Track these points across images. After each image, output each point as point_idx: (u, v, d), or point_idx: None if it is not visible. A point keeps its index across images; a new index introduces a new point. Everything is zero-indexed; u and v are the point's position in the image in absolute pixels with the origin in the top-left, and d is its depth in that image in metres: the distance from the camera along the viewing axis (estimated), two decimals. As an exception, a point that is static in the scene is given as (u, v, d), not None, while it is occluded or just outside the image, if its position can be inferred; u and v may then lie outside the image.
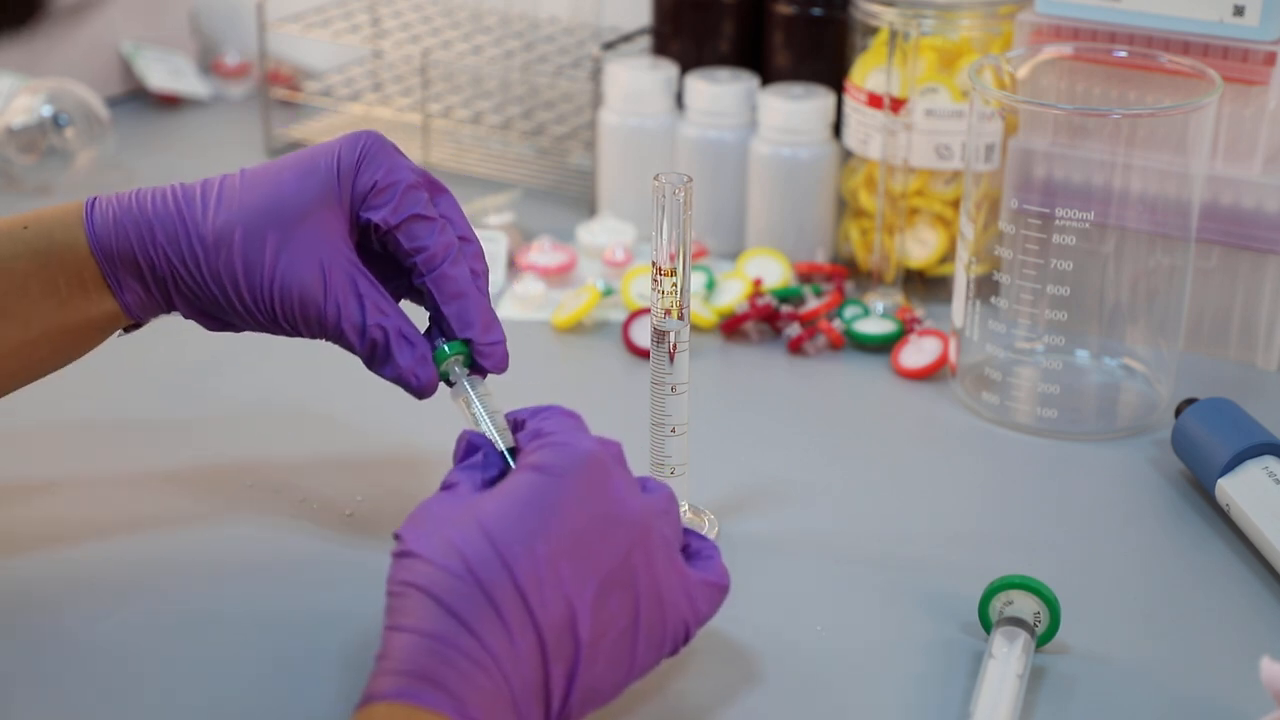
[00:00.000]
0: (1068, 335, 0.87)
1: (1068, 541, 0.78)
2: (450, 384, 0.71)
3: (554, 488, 0.60)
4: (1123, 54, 0.91)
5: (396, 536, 0.60)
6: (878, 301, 1.00)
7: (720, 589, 0.64)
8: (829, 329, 0.96)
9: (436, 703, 0.55)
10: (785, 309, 0.97)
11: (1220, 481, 0.78)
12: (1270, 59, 0.89)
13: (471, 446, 0.67)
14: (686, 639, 0.62)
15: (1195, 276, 0.93)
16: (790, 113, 1.03)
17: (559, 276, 1.04)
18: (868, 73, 1.00)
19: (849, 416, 0.90)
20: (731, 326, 0.97)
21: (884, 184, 0.99)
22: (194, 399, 0.90)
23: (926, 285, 1.02)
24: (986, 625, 0.69)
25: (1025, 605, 0.68)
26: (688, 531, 0.66)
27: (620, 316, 0.99)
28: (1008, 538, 0.78)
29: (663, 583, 0.61)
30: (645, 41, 1.17)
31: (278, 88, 1.29)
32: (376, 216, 0.70)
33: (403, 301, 0.74)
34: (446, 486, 0.64)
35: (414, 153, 1.22)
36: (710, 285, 1.00)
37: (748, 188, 1.06)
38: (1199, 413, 0.82)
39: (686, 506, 0.77)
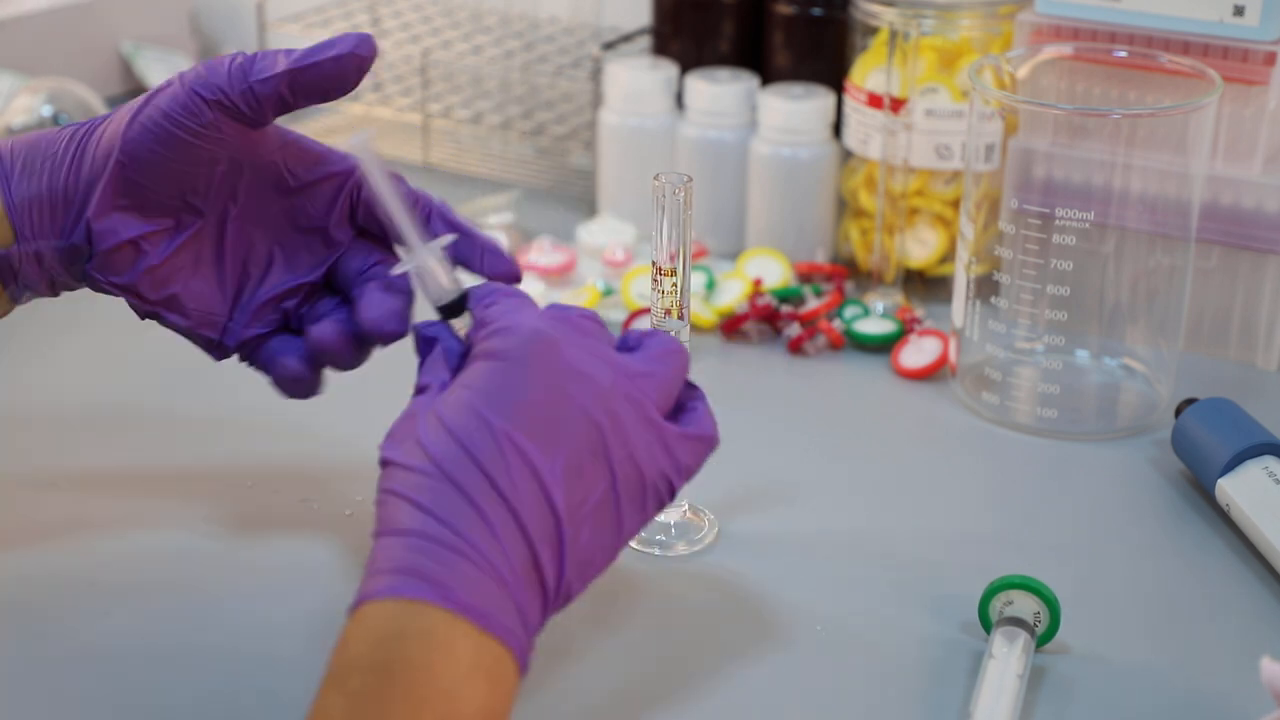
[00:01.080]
0: (1068, 335, 0.87)
1: (1068, 541, 0.78)
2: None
3: (504, 371, 0.60)
4: (1123, 54, 0.91)
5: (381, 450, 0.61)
6: (878, 301, 1.00)
7: (704, 440, 0.64)
8: (829, 329, 0.96)
9: (420, 592, 0.56)
10: (785, 309, 0.97)
11: (1220, 481, 0.78)
12: (1270, 59, 0.89)
13: (427, 341, 0.65)
14: (672, 493, 0.62)
15: (1195, 276, 0.93)
16: (790, 113, 1.03)
17: (559, 276, 1.04)
18: (868, 73, 1.00)
19: (849, 416, 0.90)
20: (731, 326, 0.97)
21: (884, 184, 0.99)
22: (194, 399, 0.90)
23: (926, 285, 1.02)
24: (986, 625, 0.69)
25: (1025, 605, 0.68)
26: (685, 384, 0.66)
27: (620, 316, 0.99)
28: (1008, 538, 0.78)
29: (636, 443, 0.61)
30: (645, 41, 1.17)
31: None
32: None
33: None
34: (418, 390, 0.64)
35: (414, 153, 1.22)
36: (710, 285, 1.00)
37: (748, 188, 1.06)
38: (1199, 413, 0.82)
39: (686, 506, 0.77)
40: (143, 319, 0.71)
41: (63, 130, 0.69)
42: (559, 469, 0.59)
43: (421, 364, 0.65)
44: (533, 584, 0.58)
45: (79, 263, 0.69)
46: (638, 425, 0.61)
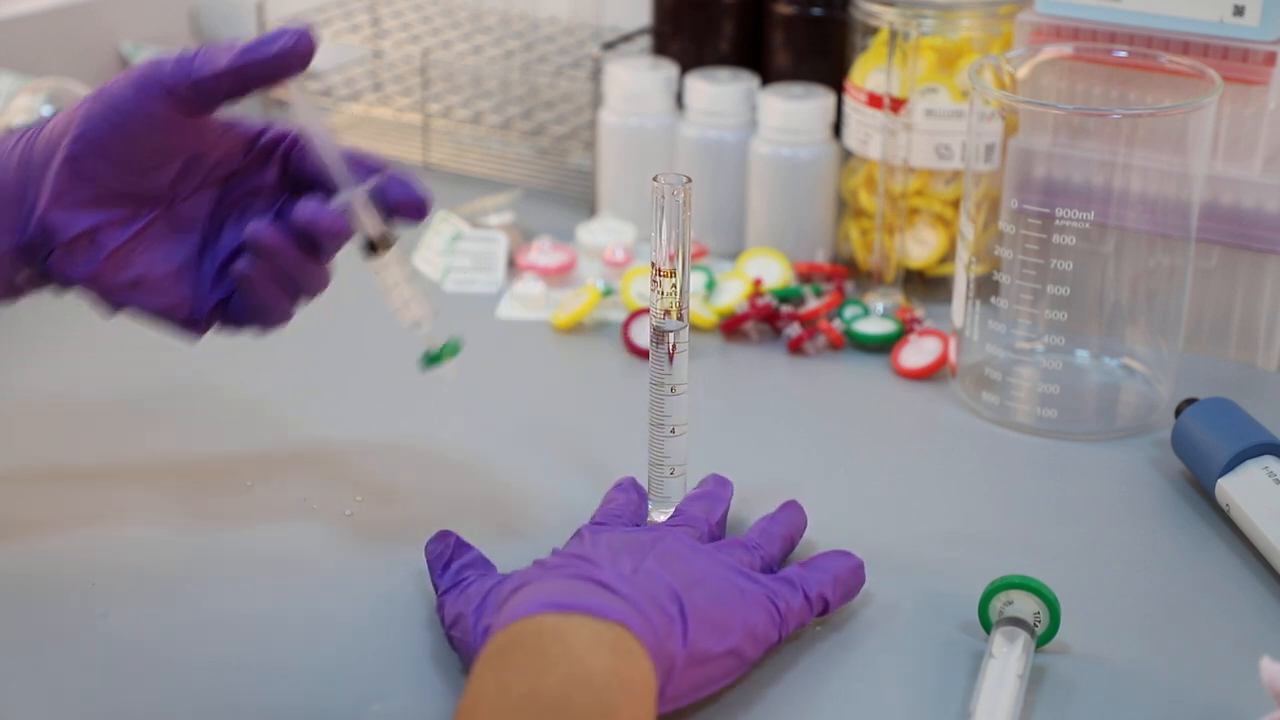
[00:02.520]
0: (1068, 335, 0.87)
1: (1068, 541, 0.78)
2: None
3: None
4: (1123, 54, 0.91)
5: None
6: (878, 301, 1.00)
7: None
8: (829, 329, 0.96)
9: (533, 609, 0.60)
10: (785, 309, 0.97)
11: (1220, 481, 0.78)
12: (1270, 59, 0.89)
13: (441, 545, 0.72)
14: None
15: (1195, 276, 0.93)
16: (790, 113, 1.03)
17: (559, 276, 1.04)
18: (868, 73, 1.00)
19: (849, 416, 0.90)
20: (731, 326, 0.97)
21: (884, 184, 0.99)
22: (194, 399, 0.90)
23: (926, 285, 1.02)
24: (986, 625, 0.69)
25: (1025, 605, 0.68)
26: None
27: (620, 316, 0.99)
28: (1008, 538, 0.78)
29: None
30: (645, 41, 1.17)
31: (278, 88, 1.29)
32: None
33: None
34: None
35: (414, 153, 1.22)
36: (710, 285, 1.00)
37: (748, 188, 1.06)
38: (1199, 413, 0.82)
39: (686, 506, 0.77)
40: (113, 314, 0.71)
41: (11, 133, 0.70)
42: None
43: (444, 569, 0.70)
44: (660, 613, 0.62)
45: (37, 260, 0.69)
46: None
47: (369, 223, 0.70)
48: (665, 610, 0.62)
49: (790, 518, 0.75)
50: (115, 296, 0.70)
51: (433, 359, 0.72)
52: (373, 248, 0.71)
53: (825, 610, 0.70)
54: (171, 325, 0.72)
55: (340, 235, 0.69)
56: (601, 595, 0.61)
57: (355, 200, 0.69)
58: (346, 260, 1.11)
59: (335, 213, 0.69)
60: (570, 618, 0.59)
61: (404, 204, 0.70)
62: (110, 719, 0.65)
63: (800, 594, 0.68)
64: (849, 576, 0.71)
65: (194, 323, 0.72)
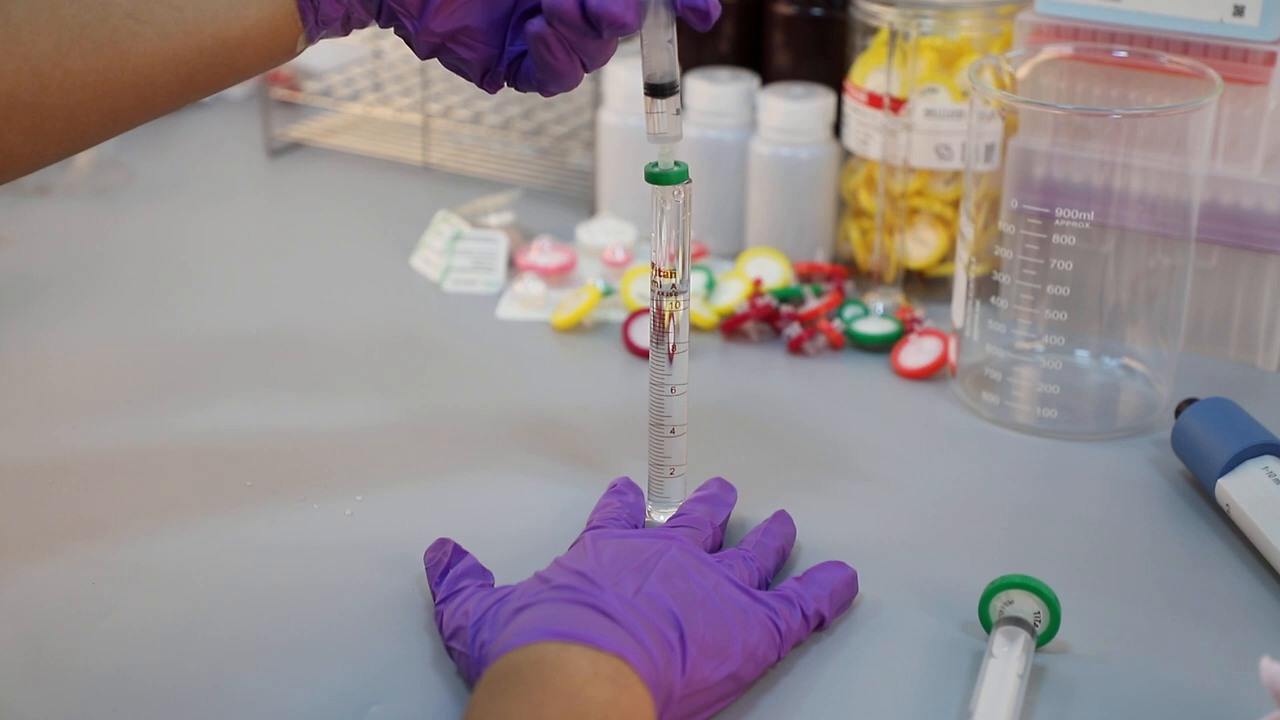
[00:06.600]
0: (1068, 335, 0.87)
1: (1068, 541, 0.78)
2: None
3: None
4: (1123, 54, 0.91)
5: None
6: (878, 301, 1.00)
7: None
8: (829, 329, 0.96)
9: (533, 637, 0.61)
10: (785, 309, 0.97)
11: (1220, 481, 0.78)
12: (1270, 59, 0.89)
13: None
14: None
15: (1195, 276, 0.93)
16: (790, 113, 1.03)
17: (559, 276, 1.04)
18: (868, 73, 1.00)
19: (849, 416, 0.90)
20: (731, 326, 0.97)
21: (884, 184, 0.99)
22: (194, 399, 0.90)
23: (926, 285, 1.02)
24: (986, 625, 0.69)
25: (1025, 605, 0.68)
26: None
27: (620, 316, 0.99)
28: (1007, 537, 0.78)
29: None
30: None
31: (278, 88, 1.29)
32: None
33: None
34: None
35: (414, 153, 1.22)
36: (710, 285, 1.00)
37: (748, 188, 1.06)
38: (1199, 413, 0.82)
39: (686, 506, 0.77)
40: (425, 58, 0.73)
41: None
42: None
43: (444, 574, 0.71)
44: (659, 641, 0.62)
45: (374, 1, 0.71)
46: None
47: (661, 61, 0.70)
48: (665, 638, 0.62)
49: (782, 529, 0.75)
50: (433, 42, 0.72)
51: (656, 176, 0.72)
52: (658, 90, 0.70)
53: (821, 625, 0.70)
54: (473, 76, 0.73)
55: (620, 27, 0.68)
56: (602, 625, 0.61)
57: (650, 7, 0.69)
58: (346, 260, 1.11)
59: (622, 5, 0.68)
60: (570, 647, 0.60)
61: (693, 7, 0.70)
62: (109, 719, 0.65)
63: (799, 612, 0.68)
64: (844, 590, 0.71)
65: (493, 76, 0.73)
